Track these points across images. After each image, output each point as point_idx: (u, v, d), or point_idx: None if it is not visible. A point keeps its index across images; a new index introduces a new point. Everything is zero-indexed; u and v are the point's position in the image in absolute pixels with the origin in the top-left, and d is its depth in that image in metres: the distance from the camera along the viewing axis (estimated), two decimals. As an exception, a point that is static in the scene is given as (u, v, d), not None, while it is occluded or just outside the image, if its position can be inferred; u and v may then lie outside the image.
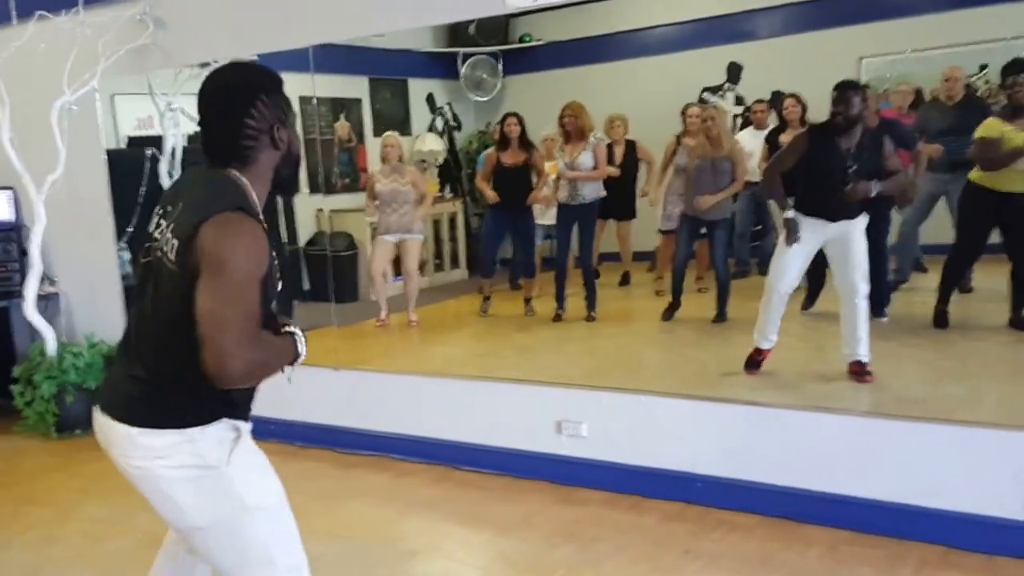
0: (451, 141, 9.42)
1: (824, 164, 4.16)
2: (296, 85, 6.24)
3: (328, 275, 6.48)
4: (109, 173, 5.38)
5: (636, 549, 3.34)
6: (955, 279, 5.07)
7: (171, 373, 1.87)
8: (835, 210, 4.19)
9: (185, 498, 1.89)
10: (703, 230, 5.86)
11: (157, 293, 1.86)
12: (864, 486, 3.37)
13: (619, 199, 6.81)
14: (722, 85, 8.92)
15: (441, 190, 8.91)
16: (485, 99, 10.14)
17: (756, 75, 7.86)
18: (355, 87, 8.63)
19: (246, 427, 1.99)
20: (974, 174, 4.94)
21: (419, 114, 9.84)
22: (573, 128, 6.09)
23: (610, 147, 7.04)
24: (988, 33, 7.14)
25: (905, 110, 6.53)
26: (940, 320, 5.00)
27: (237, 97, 1.89)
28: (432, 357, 5.63)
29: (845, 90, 4.16)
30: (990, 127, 4.84)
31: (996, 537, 3.13)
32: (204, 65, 4.64)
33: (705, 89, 8.95)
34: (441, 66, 10.06)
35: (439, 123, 10.08)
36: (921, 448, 3.30)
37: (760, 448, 3.60)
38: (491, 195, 6.35)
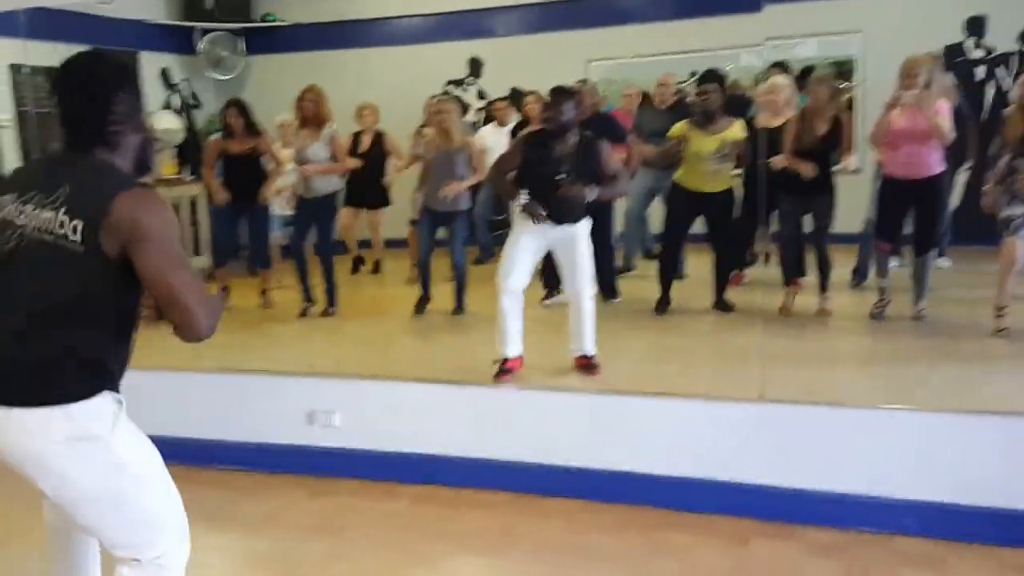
0: (190, 120, 8.97)
1: (539, 169, 4.20)
2: (6, 51, 5.71)
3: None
4: None
5: (388, 536, 3.42)
6: (668, 268, 5.53)
7: (61, 351, 1.92)
8: (555, 214, 4.21)
9: (74, 471, 1.94)
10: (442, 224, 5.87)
11: (44, 276, 1.91)
12: (597, 458, 3.65)
13: (369, 187, 6.81)
14: (464, 79, 9.15)
15: (180, 172, 8.44)
16: (227, 78, 9.73)
17: (496, 71, 8.10)
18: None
19: (122, 399, 2.04)
20: (677, 174, 5.50)
21: (153, 90, 9.29)
22: (311, 113, 5.83)
23: (359, 135, 7.02)
24: (703, 43, 7.85)
25: (633, 111, 7.02)
26: (661, 306, 5.48)
27: (105, 85, 1.99)
28: (172, 349, 5.34)
29: (556, 96, 4.20)
30: (678, 128, 5.42)
31: (710, 497, 3.51)
32: None
33: (449, 82, 9.15)
34: (177, 40, 9.53)
35: (175, 101, 9.57)
36: (645, 420, 3.63)
37: (505, 427, 3.80)
38: (220, 197, 6.02)
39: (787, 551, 3.21)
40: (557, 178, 4.15)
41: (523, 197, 4.22)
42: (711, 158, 5.30)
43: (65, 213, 1.88)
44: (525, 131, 4.77)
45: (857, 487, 3.35)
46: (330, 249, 5.97)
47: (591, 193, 4.15)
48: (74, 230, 1.87)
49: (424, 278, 5.89)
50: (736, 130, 5.33)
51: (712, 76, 5.52)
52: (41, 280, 1.91)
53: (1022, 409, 3.33)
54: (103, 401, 1.97)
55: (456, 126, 5.81)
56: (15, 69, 6.34)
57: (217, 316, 1.97)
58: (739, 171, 5.48)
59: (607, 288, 5.71)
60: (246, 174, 6.07)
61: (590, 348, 4.32)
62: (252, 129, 6.09)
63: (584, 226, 4.31)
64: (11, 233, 1.94)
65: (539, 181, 4.20)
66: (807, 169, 5.09)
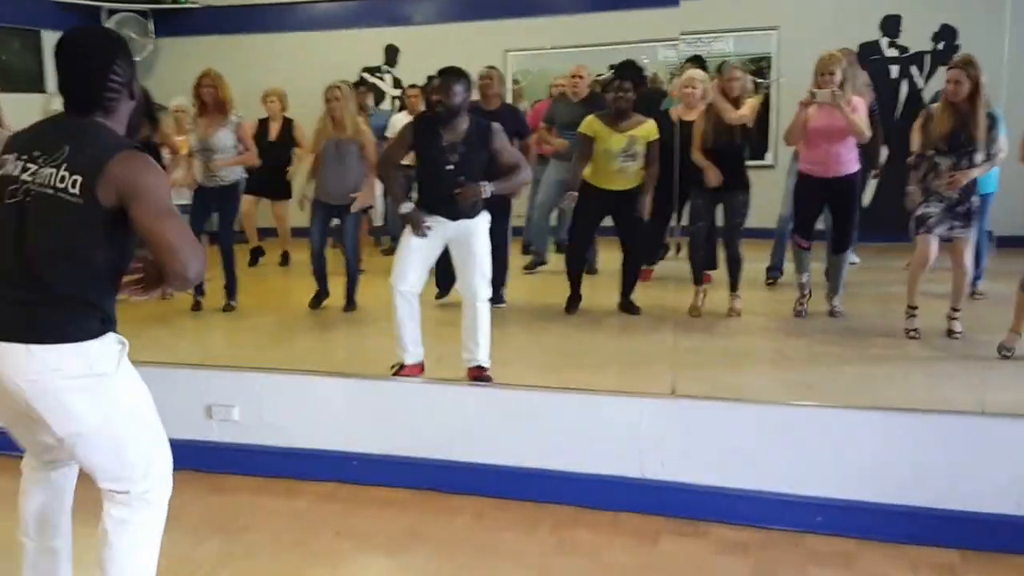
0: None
1: (429, 156, 3.99)
2: None
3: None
4: None
5: (288, 535, 3.28)
6: (576, 266, 5.45)
7: (69, 293, 2.12)
8: (451, 209, 3.95)
9: (77, 405, 2.14)
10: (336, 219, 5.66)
11: (49, 225, 2.09)
12: (505, 454, 3.57)
13: (274, 177, 6.59)
14: (380, 67, 8.99)
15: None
16: (134, 60, 9.38)
17: (412, 59, 7.98)
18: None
19: (125, 341, 2.26)
20: (586, 172, 5.36)
21: (55, 72, 8.91)
22: (212, 100, 5.51)
23: (265, 122, 6.79)
24: (619, 35, 7.85)
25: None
26: (571, 304, 5.41)
27: (103, 55, 2.18)
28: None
29: (447, 78, 3.95)
30: (586, 125, 5.26)
31: (620, 495, 3.45)
32: None
33: (365, 69, 8.97)
34: (82, 20, 9.17)
35: (79, 82, 9.18)
36: (553, 416, 3.55)
37: (411, 423, 3.69)
38: None
39: (696, 549, 3.18)
40: (448, 167, 3.92)
41: (406, 206, 3.98)
42: (619, 155, 5.21)
43: (66, 170, 2.08)
44: (415, 115, 4.51)
45: (768, 484, 3.33)
46: (232, 239, 5.69)
47: (488, 188, 3.92)
48: (73, 184, 2.07)
49: (320, 273, 5.67)
50: (647, 129, 5.21)
51: (629, 73, 5.35)
52: (46, 229, 2.10)
53: (929, 407, 3.37)
54: (110, 341, 2.19)
55: (348, 114, 5.53)
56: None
57: (203, 260, 2.17)
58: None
59: (497, 294, 5.59)
60: None
61: (484, 358, 4.04)
62: (151, 117, 5.81)
63: (483, 221, 4.06)
64: (16, 188, 2.12)
65: (430, 168, 4.01)
66: (713, 176, 5.05)
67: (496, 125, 4.09)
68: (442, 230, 4.02)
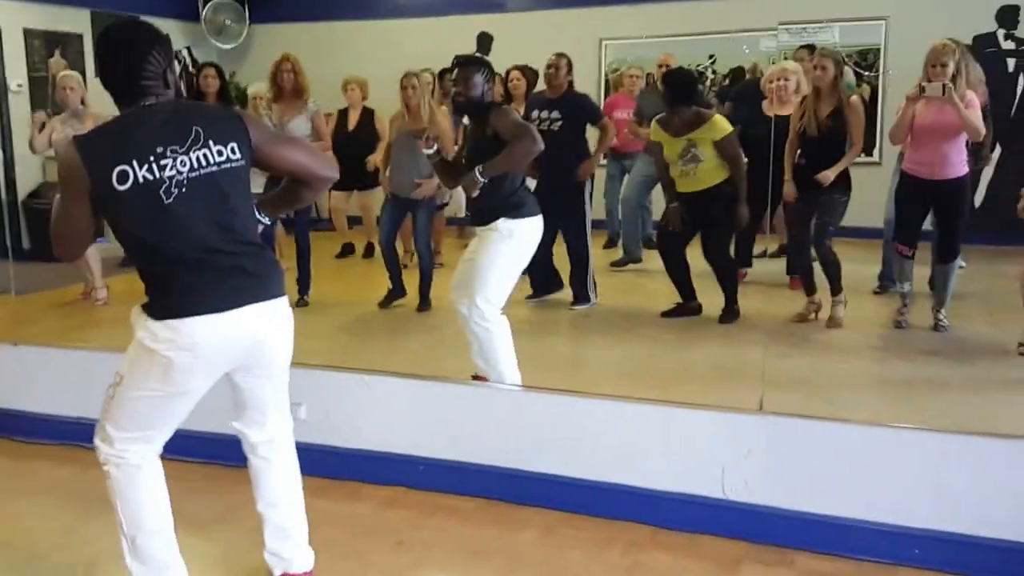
0: (189, 88, 8.72)
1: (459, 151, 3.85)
2: (18, 16, 5.46)
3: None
4: None
5: (346, 542, 3.16)
6: (673, 269, 5.22)
7: (261, 246, 2.45)
8: (472, 211, 3.73)
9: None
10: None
11: (229, 197, 2.31)
12: (577, 466, 3.38)
13: (359, 168, 6.50)
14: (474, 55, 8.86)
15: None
16: (229, 46, 9.48)
17: (505, 48, 7.85)
18: (74, 20, 7.80)
19: None
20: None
21: (151, 57, 9.07)
22: (290, 85, 5.42)
23: (345, 112, 6.71)
24: (717, 24, 7.57)
25: (636, 94, 6.72)
26: (683, 310, 5.16)
27: (138, 46, 2.30)
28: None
29: (462, 67, 3.69)
30: (652, 131, 5.11)
31: (699, 515, 3.23)
32: None
33: (457, 57, 8.85)
34: (179, 6, 9.32)
35: (175, 68, 9.34)
36: (628, 427, 3.35)
37: (480, 429, 3.54)
38: None
39: (780, 579, 2.94)
40: (464, 159, 3.73)
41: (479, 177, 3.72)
42: (678, 160, 5.02)
43: (216, 143, 2.28)
44: None
45: (861, 512, 3.07)
46: (308, 232, 5.58)
47: (478, 175, 3.55)
48: (233, 151, 2.30)
49: (392, 269, 5.53)
50: (710, 129, 4.95)
51: (680, 80, 5.06)
52: (224, 203, 2.30)
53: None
54: None
55: (424, 103, 5.39)
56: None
57: (332, 160, 2.78)
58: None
59: (579, 293, 5.39)
60: None
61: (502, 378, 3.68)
62: (226, 98, 5.78)
63: (492, 230, 3.62)
64: (167, 186, 2.23)
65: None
66: (790, 191, 4.82)
67: (500, 105, 3.82)
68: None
